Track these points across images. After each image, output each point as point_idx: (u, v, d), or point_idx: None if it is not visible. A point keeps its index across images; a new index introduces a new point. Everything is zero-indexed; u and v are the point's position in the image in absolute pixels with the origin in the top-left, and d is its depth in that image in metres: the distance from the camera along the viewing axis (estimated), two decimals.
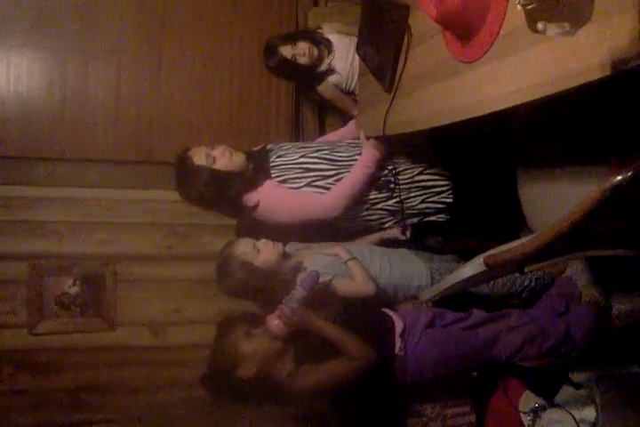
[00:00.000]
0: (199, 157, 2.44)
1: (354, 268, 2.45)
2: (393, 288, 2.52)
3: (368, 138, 2.50)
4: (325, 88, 3.02)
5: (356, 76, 2.83)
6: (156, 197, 3.12)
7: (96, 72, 3.13)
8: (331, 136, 2.96)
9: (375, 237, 2.72)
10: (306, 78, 3.06)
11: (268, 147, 2.67)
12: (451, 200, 2.62)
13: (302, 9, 3.37)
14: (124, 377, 3.00)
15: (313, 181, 2.53)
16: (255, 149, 2.73)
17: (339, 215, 2.51)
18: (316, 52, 2.91)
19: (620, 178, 1.04)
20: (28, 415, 2.91)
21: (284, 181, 2.53)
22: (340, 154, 2.57)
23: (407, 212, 2.61)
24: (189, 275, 3.11)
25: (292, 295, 2.19)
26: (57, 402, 2.95)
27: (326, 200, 2.50)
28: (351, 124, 2.86)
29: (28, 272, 2.94)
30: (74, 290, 2.98)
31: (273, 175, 2.53)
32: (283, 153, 2.58)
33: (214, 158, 2.44)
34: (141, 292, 3.06)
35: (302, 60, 2.90)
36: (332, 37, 3.01)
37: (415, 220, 2.65)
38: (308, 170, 2.53)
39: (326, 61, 2.96)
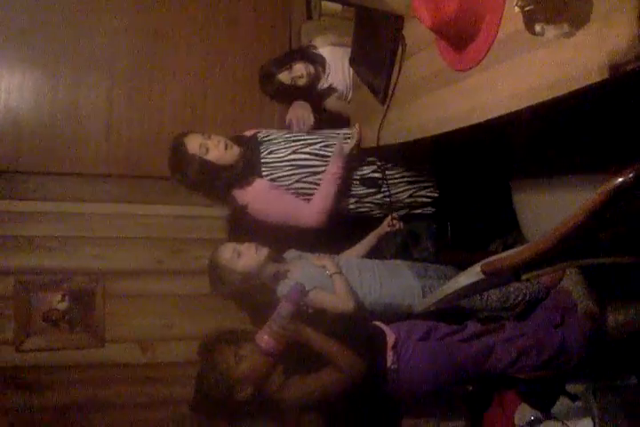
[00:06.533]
0: (193, 144, 2.47)
1: (337, 282, 2.44)
2: (382, 307, 2.51)
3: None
4: (332, 104, 3.01)
5: None
6: (147, 211, 3.10)
7: (88, 86, 3.11)
8: None
9: (371, 237, 2.75)
10: (307, 98, 3.04)
11: (259, 136, 2.67)
12: (437, 194, 2.67)
13: (295, 23, 3.39)
14: (114, 394, 2.94)
15: (303, 178, 2.57)
16: (246, 134, 2.74)
17: (324, 225, 2.57)
18: (312, 69, 2.92)
19: (621, 180, 1.03)
20: None
21: (273, 180, 2.56)
22: (331, 149, 2.58)
23: (395, 205, 2.65)
24: (180, 290, 3.07)
25: (278, 311, 2.17)
26: (45, 421, 2.88)
27: (310, 212, 2.55)
28: None
29: (16, 288, 2.88)
30: (62, 306, 2.93)
31: (264, 173, 2.55)
32: (273, 148, 2.59)
33: (207, 149, 2.46)
34: (131, 307, 3.01)
35: (301, 82, 2.91)
36: (326, 50, 3.02)
37: (403, 212, 2.71)
38: (299, 167, 2.56)
39: (324, 78, 2.97)
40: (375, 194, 2.64)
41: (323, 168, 2.56)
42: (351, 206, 2.66)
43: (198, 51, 3.28)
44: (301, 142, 2.61)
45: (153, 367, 3.03)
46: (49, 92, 3.06)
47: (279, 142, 2.63)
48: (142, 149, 3.13)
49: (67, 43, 3.09)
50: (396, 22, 1.99)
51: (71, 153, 3.05)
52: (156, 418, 2.96)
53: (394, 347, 2.28)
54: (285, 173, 2.56)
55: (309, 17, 3.44)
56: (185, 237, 3.13)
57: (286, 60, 2.92)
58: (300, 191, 2.58)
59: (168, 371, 3.01)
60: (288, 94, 2.96)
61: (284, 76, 2.89)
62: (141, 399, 2.98)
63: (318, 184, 2.57)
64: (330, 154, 2.57)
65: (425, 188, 2.67)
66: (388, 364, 2.25)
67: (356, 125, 2.52)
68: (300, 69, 2.88)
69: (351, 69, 2.69)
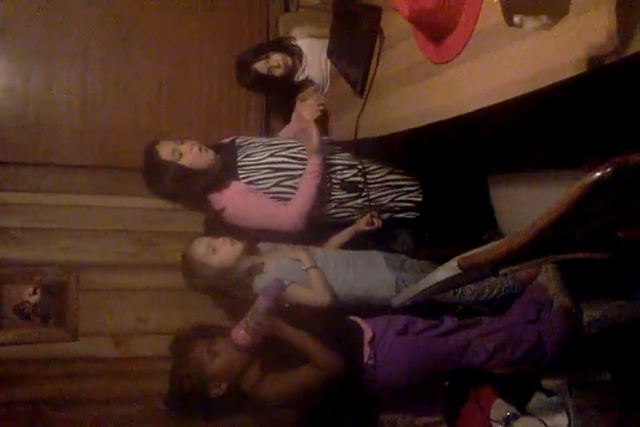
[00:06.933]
0: (166, 151, 2.44)
1: (313, 277, 2.42)
2: (355, 300, 2.50)
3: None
4: (306, 96, 2.98)
5: None
6: (121, 203, 3.05)
7: (61, 75, 3.05)
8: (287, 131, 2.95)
9: (348, 231, 2.72)
10: (283, 89, 3.02)
11: (237, 142, 2.65)
12: (420, 199, 2.66)
13: (273, 15, 3.36)
14: (87, 389, 2.90)
15: (281, 181, 2.54)
16: (224, 141, 2.72)
17: (303, 227, 2.53)
18: (290, 61, 2.89)
19: (599, 174, 1.02)
20: None
21: (251, 183, 2.52)
22: None
23: (376, 209, 2.64)
24: (154, 284, 3.03)
25: (256, 307, 2.15)
26: (16, 416, 2.83)
27: (289, 215, 2.51)
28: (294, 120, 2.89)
29: None
30: (34, 299, 2.88)
31: (241, 176, 2.51)
32: (251, 152, 2.57)
33: (180, 154, 2.43)
34: (105, 301, 2.96)
35: (278, 72, 2.88)
36: (304, 42, 2.99)
37: (386, 215, 2.69)
38: (277, 170, 2.53)
39: (300, 70, 2.94)
40: (356, 198, 2.63)
41: (301, 171, 2.53)
42: (331, 211, 2.64)
43: (174, 42, 3.23)
44: (279, 146, 2.59)
45: (127, 362, 2.99)
46: (21, 80, 3.00)
47: (257, 146, 2.61)
48: (117, 140, 3.08)
49: (39, 31, 3.02)
50: (374, 14, 1.97)
51: (44, 143, 3.00)
52: (131, 413, 2.93)
53: (371, 342, 2.27)
54: (263, 176, 2.53)
55: (287, 9, 3.40)
56: (160, 230, 3.09)
57: (264, 50, 2.90)
58: (279, 196, 2.55)
59: (142, 365, 2.98)
60: (264, 84, 2.94)
61: (260, 66, 2.86)
62: (115, 394, 2.94)
63: (297, 188, 2.54)
64: None
65: (407, 192, 2.66)
66: (365, 359, 2.25)
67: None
68: (277, 60, 2.85)
69: (329, 62, 2.67)
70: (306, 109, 2.64)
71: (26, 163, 2.97)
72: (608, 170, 1.02)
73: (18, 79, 3.01)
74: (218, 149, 2.57)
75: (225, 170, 2.53)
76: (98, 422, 2.88)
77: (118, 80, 3.13)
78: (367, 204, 2.61)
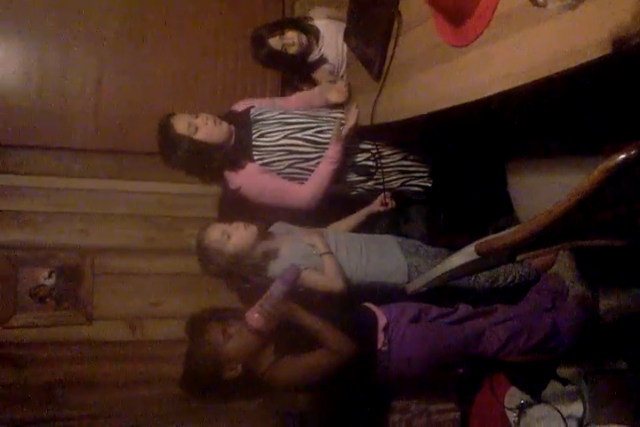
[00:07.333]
0: (181, 125, 2.43)
1: (327, 263, 2.43)
2: (367, 285, 2.50)
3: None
4: (321, 76, 2.97)
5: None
6: (137, 188, 3.07)
7: (76, 59, 3.06)
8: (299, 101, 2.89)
9: (363, 212, 2.74)
10: (298, 68, 3.01)
11: (252, 114, 2.62)
12: (429, 185, 2.66)
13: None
14: (101, 372, 2.92)
15: (294, 163, 2.54)
16: (236, 108, 2.71)
17: (315, 207, 2.56)
18: (305, 39, 2.87)
19: (624, 156, 1.00)
20: (1, 411, 2.83)
21: (265, 164, 2.52)
22: (324, 135, 2.55)
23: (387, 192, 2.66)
24: (169, 268, 3.05)
25: (271, 291, 2.14)
26: (31, 398, 2.86)
27: (303, 195, 2.54)
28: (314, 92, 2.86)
29: (2, 263, 2.85)
30: (49, 282, 2.90)
31: (255, 157, 2.51)
32: (265, 131, 2.54)
33: (196, 128, 2.43)
34: (120, 285, 2.98)
35: (292, 50, 2.86)
36: (321, 23, 2.97)
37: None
38: (291, 152, 2.53)
39: (316, 50, 2.92)
40: (367, 181, 2.63)
41: (314, 155, 2.53)
42: (342, 191, 2.65)
43: (188, 25, 3.23)
44: (294, 126, 2.55)
45: (141, 346, 3.01)
46: (36, 65, 3.01)
47: (271, 124, 2.56)
48: (132, 124, 3.08)
49: (55, 16, 3.02)
50: None
51: (59, 127, 3.01)
52: (145, 396, 2.95)
53: (385, 329, 2.26)
54: (277, 158, 2.52)
55: None
56: (176, 216, 3.11)
57: (279, 26, 2.88)
58: (292, 176, 2.55)
59: (157, 349, 3.00)
60: (277, 61, 2.93)
61: (274, 41, 2.84)
62: (129, 377, 2.97)
63: (310, 170, 2.54)
64: (323, 140, 2.53)
65: (417, 177, 2.65)
66: (379, 346, 2.24)
67: (354, 106, 2.47)
68: (291, 37, 2.84)
69: (345, 45, 2.65)
70: (333, 94, 2.63)
71: (42, 147, 2.98)
72: (632, 152, 1.01)
73: (33, 64, 3.01)
74: (231, 118, 2.58)
75: (240, 149, 2.52)
76: (112, 406, 2.91)
77: (133, 64, 3.14)
78: (378, 186, 2.62)
